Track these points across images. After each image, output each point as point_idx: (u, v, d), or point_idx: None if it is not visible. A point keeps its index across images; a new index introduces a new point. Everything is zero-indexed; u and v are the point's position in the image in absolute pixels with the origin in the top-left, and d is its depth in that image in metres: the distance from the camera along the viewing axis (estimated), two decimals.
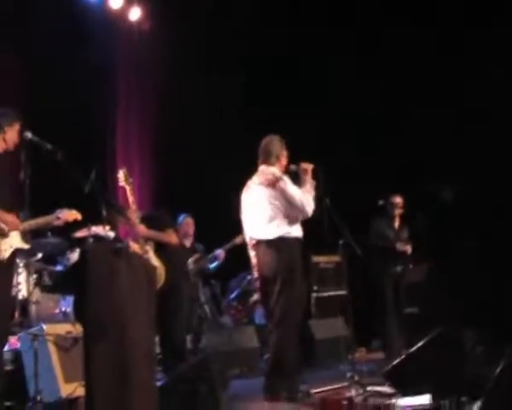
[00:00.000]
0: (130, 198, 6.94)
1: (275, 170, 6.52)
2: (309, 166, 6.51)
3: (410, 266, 9.98)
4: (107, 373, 4.31)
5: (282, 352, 6.28)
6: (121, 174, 7.03)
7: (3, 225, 5.49)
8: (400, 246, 9.43)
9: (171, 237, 7.18)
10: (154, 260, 6.79)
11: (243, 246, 6.85)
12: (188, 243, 8.80)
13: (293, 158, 6.71)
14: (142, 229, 6.95)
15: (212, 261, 9.21)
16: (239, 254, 7.13)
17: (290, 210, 6.39)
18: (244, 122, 10.55)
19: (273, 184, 6.41)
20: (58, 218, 5.99)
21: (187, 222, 8.88)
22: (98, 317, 4.37)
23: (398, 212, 9.67)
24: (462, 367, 5.47)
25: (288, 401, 6.15)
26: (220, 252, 8.99)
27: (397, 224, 9.74)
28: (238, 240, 8.42)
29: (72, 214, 6.09)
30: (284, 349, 6.29)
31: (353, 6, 10.98)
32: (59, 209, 6.02)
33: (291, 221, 6.41)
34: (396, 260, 9.60)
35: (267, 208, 6.41)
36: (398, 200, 9.62)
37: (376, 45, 10.86)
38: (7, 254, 5.50)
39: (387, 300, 9.55)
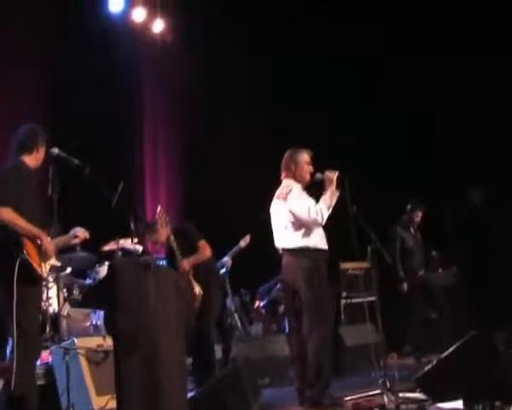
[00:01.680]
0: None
1: (290, 182, 6.56)
2: (333, 175, 6.50)
3: (440, 271, 9.99)
4: (137, 386, 4.32)
5: (321, 359, 6.30)
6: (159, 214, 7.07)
7: (46, 254, 5.51)
8: (404, 286, 9.59)
9: (205, 251, 7.35)
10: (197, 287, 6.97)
11: (270, 253, 6.86)
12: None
13: (320, 167, 6.72)
14: (185, 264, 7.07)
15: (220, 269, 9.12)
16: (267, 261, 7.12)
17: (301, 221, 6.45)
18: (272, 132, 10.56)
19: (283, 198, 6.46)
20: (76, 236, 6.00)
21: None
22: (128, 331, 4.38)
23: (417, 223, 9.89)
24: (494, 371, 5.41)
25: (330, 407, 6.16)
26: (227, 259, 8.97)
27: (414, 232, 9.92)
28: (243, 243, 8.39)
29: (82, 233, 6.08)
30: (322, 356, 6.31)
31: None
32: (73, 229, 6.03)
33: (307, 231, 6.44)
34: (419, 264, 9.70)
35: (283, 219, 6.52)
36: (420, 213, 9.86)
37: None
38: (45, 273, 5.54)
39: (416, 305, 9.56)
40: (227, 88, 10.91)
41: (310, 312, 6.36)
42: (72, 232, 5.99)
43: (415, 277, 9.65)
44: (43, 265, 5.49)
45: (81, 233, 6.03)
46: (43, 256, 5.48)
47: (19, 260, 5.31)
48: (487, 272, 9.92)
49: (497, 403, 4.98)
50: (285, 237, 6.55)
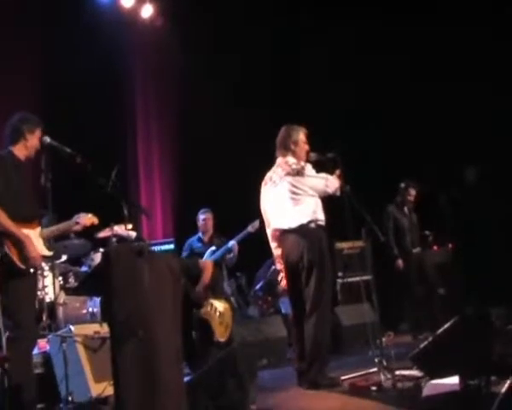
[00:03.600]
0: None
1: (294, 160, 6.55)
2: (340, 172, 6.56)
3: (435, 248, 10.03)
4: (134, 372, 4.33)
5: (321, 337, 6.33)
6: None
7: (29, 259, 5.49)
8: (399, 263, 9.68)
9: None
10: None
11: (264, 235, 6.87)
12: (206, 237, 8.81)
13: (313, 145, 6.73)
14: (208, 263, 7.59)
15: (226, 253, 9.15)
16: (262, 244, 7.13)
17: (315, 195, 6.48)
18: (271, 113, 10.53)
19: (299, 173, 6.45)
20: (77, 223, 6.00)
21: (207, 217, 8.88)
22: (123, 317, 4.38)
23: (410, 202, 9.96)
24: (491, 347, 5.43)
25: (328, 387, 6.19)
26: (233, 243, 9.01)
27: (407, 211, 9.98)
28: (251, 228, 8.42)
29: (88, 219, 6.08)
30: (322, 334, 6.35)
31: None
32: (76, 215, 6.02)
33: (317, 206, 6.46)
34: (413, 243, 9.74)
35: (294, 197, 6.49)
36: (414, 193, 9.92)
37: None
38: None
39: (411, 282, 9.61)
40: (221, 72, 10.87)
41: (312, 292, 6.38)
42: (74, 218, 5.98)
43: (409, 255, 9.69)
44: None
45: (86, 219, 6.03)
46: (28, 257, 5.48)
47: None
48: (483, 248, 9.93)
49: (493, 378, 4.98)
50: (286, 216, 6.54)
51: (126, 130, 11.29)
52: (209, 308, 7.72)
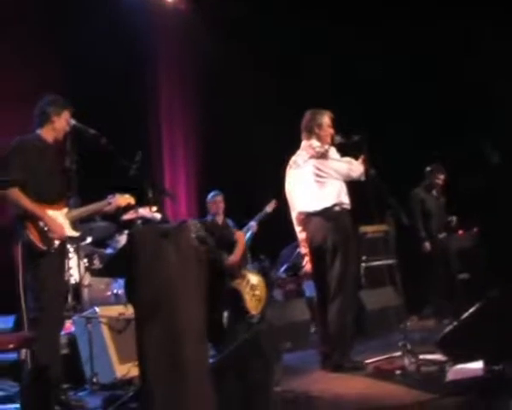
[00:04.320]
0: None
1: (318, 143, 6.55)
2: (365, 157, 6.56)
3: (460, 233, 9.98)
4: (159, 354, 4.35)
5: (344, 321, 6.36)
6: None
7: (51, 234, 5.54)
8: (426, 245, 9.62)
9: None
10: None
11: (287, 218, 6.88)
12: (220, 219, 8.82)
13: (339, 128, 6.73)
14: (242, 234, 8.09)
15: (245, 232, 9.19)
16: (285, 227, 7.14)
17: (340, 178, 6.50)
18: (293, 97, 10.52)
19: (323, 156, 6.45)
20: (109, 203, 6.03)
21: (218, 200, 8.87)
22: (148, 298, 4.40)
23: (438, 185, 9.90)
24: None
25: (352, 370, 6.21)
26: (253, 224, 9.01)
27: (436, 194, 9.93)
28: (269, 208, 8.44)
29: (124, 199, 6.12)
30: (345, 319, 6.37)
31: None
32: (110, 195, 6.06)
33: (342, 190, 6.47)
34: (439, 227, 9.67)
35: (319, 180, 6.50)
36: (442, 176, 9.87)
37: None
38: (56, 244, 5.57)
39: (436, 267, 9.57)
40: (245, 56, 10.86)
41: (336, 274, 6.39)
42: (107, 199, 6.02)
43: (434, 239, 9.65)
44: (54, 239, 5.53)
45: (121, 200, 6.06)
46: (52, 233, 5.53)
47: (21, 240, 5.44)
48: (508, 232, 9.88)
49: None
50: (310, 199, 6.55)
51: (150, 113, 11.31)
52: (242, 280, 7.82)
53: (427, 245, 9.54)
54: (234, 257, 7.87)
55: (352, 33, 10.75)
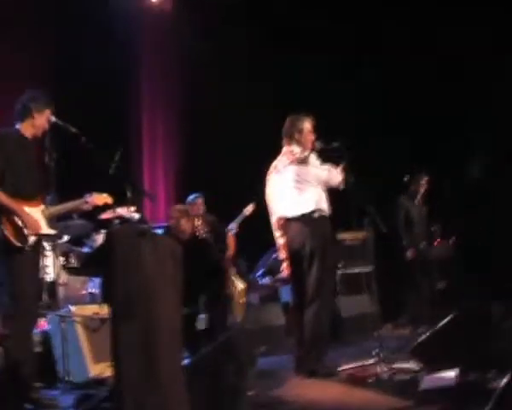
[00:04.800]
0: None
1: (298, 149, 6.57)
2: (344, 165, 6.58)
3: (436, 242, 10.05)
4: (133, 354, 4.33)
5: (320, 327, 6.37)
6: None
7: (26, 230, 5.50)
8: (409, 253, 9.66)
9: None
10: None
11: (265, 222, 6.89)
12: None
13: (322, 134, 6.74)
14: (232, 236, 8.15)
15: None
16: (263, 231, 7.15)
17: (319, 185, 6.51)
18: (274, 97, 10.54)
19: (303, 161, 6.48)
20: (86, 202, 6.00)
21: (199, 202, 8.83)
22: (123, 297, 4.38)
23: (422, 190, 9.92)
24: (489, 342, 5.45)
25: (326, 377, 6.22)
26: (233, 226, 9.02)
27: (418, 202, 9.97)
28: (247, 211, 8.44)
29: (102, 198, 6.08)
30: (321, 324, 6.38)
31: None
32: (88, 194, 6.03)
33: (321, 197, 6.48)
34: (421, 236, 9.76)
35: (298, 186, 6.52)
36: (424, 183, 9.90)
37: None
38: (31, 241, 5.53)
39: (415, 275, 9.63)
40: (228, 51, 10.84)
41: (313, 280, 6.41)
42: (84, 198, 5.98)
43: (416, 248, 9.70)
44: (29, 236, 5.50)
45: (98, 198, 6.03)
46: (27, 230, 5.49)
47: None
48: (485, 243, 9.95)
49: (491, 374, 5.00)
50: (290, 205, 6.57)
51: (130, 112, 11.27)
52: (231, 285, 7.84)
53: (410, 253, 9.58)
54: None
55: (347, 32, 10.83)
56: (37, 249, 5.72)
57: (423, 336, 5.74)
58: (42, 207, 5.68)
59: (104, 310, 6.11)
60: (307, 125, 6.67)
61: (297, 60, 10.89)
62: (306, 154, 6.55)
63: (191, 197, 8.82)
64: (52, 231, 5.79)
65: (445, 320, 5.61)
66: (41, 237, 5.69)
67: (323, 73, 10.87)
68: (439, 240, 10.22)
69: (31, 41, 9.25)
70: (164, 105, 11.80)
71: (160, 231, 7.51)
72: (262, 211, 7.22)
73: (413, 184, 9.88)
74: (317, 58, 10.83)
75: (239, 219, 9.03)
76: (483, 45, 10.13)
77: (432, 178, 9.92)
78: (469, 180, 10.68)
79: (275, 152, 6.81)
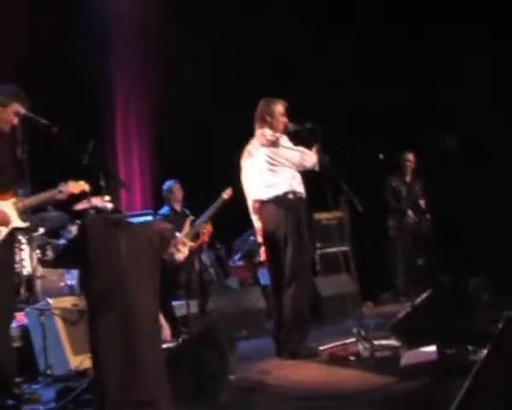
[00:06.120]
0: None
1: (270, 132, 6.55)
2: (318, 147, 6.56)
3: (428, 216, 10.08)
4: (112, 345, 4.31)
5: (299, 308, 6.37)
6: None
7: None
8: (409, 213, 9.78)
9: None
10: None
11: (243, 207, 6.87)
12: (178, 207, 8.75)
13: (293, 116, 6.71)
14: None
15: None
16: (242, 216, 7.13)
17: (293, 166, 6.51)
18: (246, 79, 10.51)
19: (274, 144, 6.46)
20: (60, 192, 5.91)
21: (176, 188, 8.80)
22: (100, 289, 4.36)
23: (410, 168, 10.14)
24: (468, 316, 5.47)
25: (307, 357, 6.23)
26: (209, 212, 9.01)
27: (409, 179, 10.13)
28: (225, 195, 8.41)
29: (78, 186, 5.98)
30: (300, 305, 6.38)
31: None
32: (62, 183, 5.95)
33: (295, 178, 6.48)
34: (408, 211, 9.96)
35: (271, 168, 6.51)
36: (411, 157, 10.12)
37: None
38: (2, 235, 5.46)
39: (398, 253, 9.71)
40: (202, 39, 10.79)
41: (289, 262, 6.40)
42: (58, 187, 5.90)
43: (404, 222, 9.78)
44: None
45: (73, 187, 5.94)
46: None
47: None
48: (461, 218, 9.99)
49: (470, 347, 5.03)
50: (263, 187, 6.56)
51: (103, 100, 11.20)
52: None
53: (411, 214, 9.72)
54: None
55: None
56: (10, 244, 5.64)
57: (402, 313, 5.75)
58: (13, 199, 5.60)
59: (83, 302, 6.06)
60: (279, 107, 6.66)
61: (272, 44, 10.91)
62: (278, 135, 6.54)
63: (167, 184, 8.77)
64: (24, 224, 5.70)
65: (423, 297, 5.62)
66: (13, 231, 5.61)
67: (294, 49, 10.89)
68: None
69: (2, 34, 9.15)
70: (138, 92, 11.72)
71: (136, 220, 7.48)
72: (239, 195, 7.21)
73: (400, 164, 9.99)
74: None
75: (216, 204, 8.99)
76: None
77: (417, 155, 9.97)
78: (445, 153, 10.70)
79: (250, 136, 6.78)
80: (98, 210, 6.62)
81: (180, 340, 6.54)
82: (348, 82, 10.72)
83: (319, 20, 10.99)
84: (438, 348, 5.10)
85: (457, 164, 10.16)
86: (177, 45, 10.84)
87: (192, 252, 8.05)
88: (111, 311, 4.34)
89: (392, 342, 5.93)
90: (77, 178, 6.03)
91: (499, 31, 10.02)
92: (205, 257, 9.27)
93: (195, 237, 8.19)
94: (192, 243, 8.09)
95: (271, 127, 6.62)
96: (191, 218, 8.44)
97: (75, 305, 6.45)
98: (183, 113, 10.79)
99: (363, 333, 6.17)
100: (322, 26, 10.94)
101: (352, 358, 5.94)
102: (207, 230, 8.18)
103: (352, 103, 10.61)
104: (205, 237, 8.22)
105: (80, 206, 7.09)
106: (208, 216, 8.36)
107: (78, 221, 7.44)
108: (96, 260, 4.40)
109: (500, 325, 3.32)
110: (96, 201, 6.04)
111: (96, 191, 5.96)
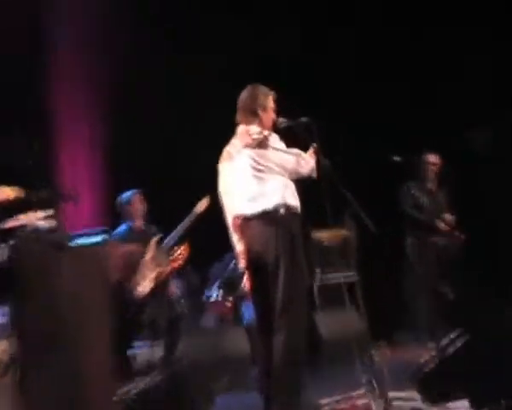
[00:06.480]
0: None
1: (257, 129, 6.45)
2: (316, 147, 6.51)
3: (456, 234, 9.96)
4: (51, 398, 4.24)
5: (294, 352, 6.25)
6: None
7: None
8: (440, 224, 9.59)
9: None
10: None
11: (221, 221, 6.80)
12: (139, 224, 8.63)
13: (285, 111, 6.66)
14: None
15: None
16: (220, 232, 7.07)
17: (285, 174, 6.37)
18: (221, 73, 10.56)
19: (261, 144, 6.37)
20: None
21: (136, 200, 8.70)
22: (36, 331, 4.29)
23: (432, 173, 9.82)
24: (503, 366, 5.42)
25: None
26: (179, 230, 8.97)
27: (432, 186, 9.87)
28: (199, 208, 8.38)
29: (5, 192, 5.93)
30: (295, 349, 6.26)
31: None
32: None
33: (288, 188, 6.39)
34: (434, 231, 9.69)
35: (257, 175, 6.36)
36: (434, 159, 9.81)
37: None
38: None
39: (419, 280, 9.63)
40: (157, 26, 10.87)
41: (280, 294, 6.29)
42: None
43: (427, 241, 9.68)
44: None
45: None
46: None
47: None
48: (500, 237, 10.02)
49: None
50: (248, 199, 6.44)
51: (46, 94, 11.20)
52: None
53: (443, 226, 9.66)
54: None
55: None
56: None
57: (427, 365, 5.69)
58: None
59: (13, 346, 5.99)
60: (271, 102, 6.59)
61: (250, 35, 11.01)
62: (266, 134, 6.43)
63: (126, 195, 8.69)
64: None
65: (455, 340, 5.57)
66: None
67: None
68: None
69: None
70: (87, 92, 11.71)
71: (83, 241, 7.38)
72: (218, 209, 7.14)
73: (421, 168, 9.84)
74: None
75: (189, 218, 8.92)
76: None
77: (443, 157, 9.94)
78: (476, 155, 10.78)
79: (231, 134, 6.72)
80: (33, 229, 6.55)
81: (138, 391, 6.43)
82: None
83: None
84: (471, 404, 5.06)
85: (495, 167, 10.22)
86: (138, 35, 10.90)
87: (159, 282, 7.96)
88: (50, 360, 4.27)
89: (412, 393, 5.89)
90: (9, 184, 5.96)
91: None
92: (174, 287, 9.19)
93: (164, 261, 8.09)
94: (159, 270, 7.98)
95: (261, 123, 6.52)
96: (158, 236, 8.35)
97: (4, 351, 6.35)
98: (141, 114, 10.81)
99: (374, 383, 6.11)
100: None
101: None
102: (182, 253, 8.07)
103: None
104: (178, 262, 8.10)
105: (10, 224, 7.01)
106: (179, 235, 8.30)
107: (3, 244, 7.36)
108: (30, 291, 4.34)
109: None
110: (32, 217, 5.96)
111: (33, 204, 5.90)
